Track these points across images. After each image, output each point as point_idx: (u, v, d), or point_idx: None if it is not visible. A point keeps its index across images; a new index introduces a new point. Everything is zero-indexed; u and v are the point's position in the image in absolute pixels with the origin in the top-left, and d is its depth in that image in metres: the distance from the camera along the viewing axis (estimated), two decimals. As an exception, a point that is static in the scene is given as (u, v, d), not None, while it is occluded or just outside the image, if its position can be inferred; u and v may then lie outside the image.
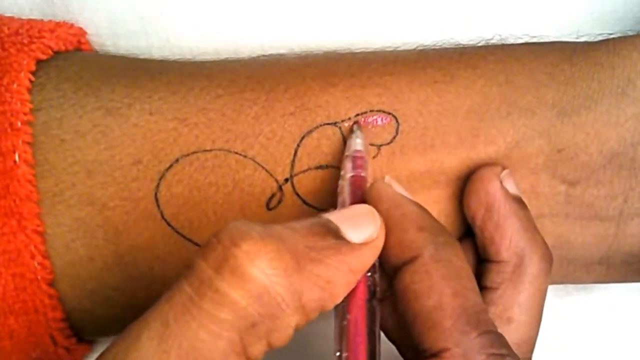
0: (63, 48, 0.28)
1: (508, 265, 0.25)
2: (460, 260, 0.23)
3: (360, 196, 0.24)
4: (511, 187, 0.26)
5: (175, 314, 0.19)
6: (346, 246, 0.21)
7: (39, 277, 0.26)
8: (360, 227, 0.22)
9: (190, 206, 0.26)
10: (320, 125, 0.26)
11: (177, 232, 0.26)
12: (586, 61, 0.27)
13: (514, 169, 0.27)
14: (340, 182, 0.25)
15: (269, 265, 0.19)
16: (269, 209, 0.26)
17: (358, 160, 0.25)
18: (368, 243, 0.22)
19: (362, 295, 0.22)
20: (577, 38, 0.30)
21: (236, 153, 0.26)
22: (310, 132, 0.26)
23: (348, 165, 0.25)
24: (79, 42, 0.30)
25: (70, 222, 0.26)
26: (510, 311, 0.25)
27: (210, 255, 0.20)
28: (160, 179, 0.26)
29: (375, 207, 0.23)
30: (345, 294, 0.22)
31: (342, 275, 0.21)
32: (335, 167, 0.26)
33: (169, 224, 0.26)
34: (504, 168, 0.26)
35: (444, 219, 0.27)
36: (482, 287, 0.26)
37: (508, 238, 0.25)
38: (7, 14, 0.30)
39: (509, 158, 0.27)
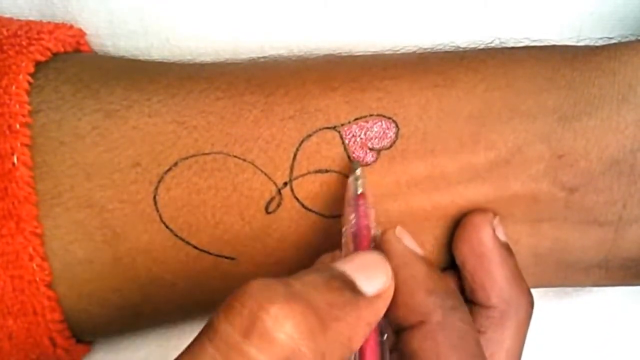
0: (62, 49, 0.28)
1: (496, 310, 0.26)
2: (467, 325, 0.23)
3: (366, 248, 0.24)
4: (501, 235, 0.26)
5: None
6: (363, 300, 0.21)
7: (37, 279, 0.26)
8: (373, 277, 0.22)
9: (188, 209, 0.26)
10: (320, 130, 0.26)
11: (176, 235, 0.26)
12: (587, 66, 0.27)
13: (514, 174, 0.27)
14: (344, 231, 0.24)
15: (296, 329, 0.19)
16: (267, 212, 0.26)
17: (361, 208, 0.24)
18: (381, 294, 0.22)
19: (374, 345, 0.22)
20: (577, 41, 0.29)
21: (235, 156, 0.26)
22: (309, 136, 0.26)
23: (350, 213, 0.25)
24: (78, 43, 0.30)
25: (68, 224, 0.26)
26: (497, 356, 0.25)
27: (235, 319, 0.19)
28: (159, 181, 0.26)
29: None
30: (360, 344, 0.22)
31: (360, 329, 0.21)
32: (334, 172, 0.26)
33: (167, 227, 0.26)
34: (495, 214, 0.27)
35: (442, 225, 0.27)
36: None
37: (498, 285, 0.26)
38: (6, 15, 0.30)
39: (509, 163, 0.27)
